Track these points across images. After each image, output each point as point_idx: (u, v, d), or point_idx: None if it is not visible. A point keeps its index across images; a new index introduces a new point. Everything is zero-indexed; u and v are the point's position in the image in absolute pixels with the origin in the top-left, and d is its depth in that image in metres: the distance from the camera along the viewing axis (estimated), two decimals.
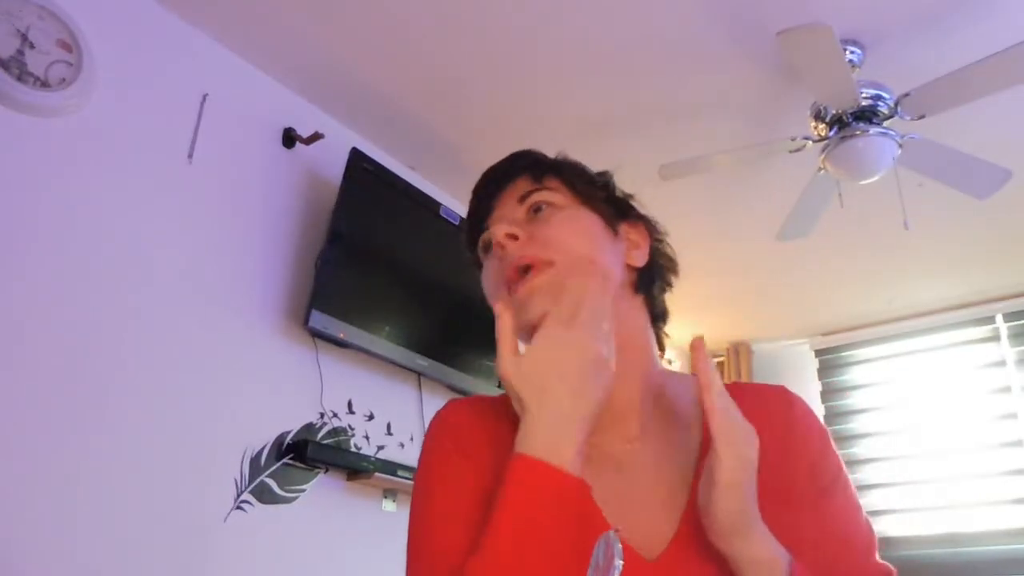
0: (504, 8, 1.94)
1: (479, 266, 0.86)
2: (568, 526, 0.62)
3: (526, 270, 0.75)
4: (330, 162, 2.30)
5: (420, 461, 0.78)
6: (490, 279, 0.81)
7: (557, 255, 0.74)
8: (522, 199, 0.81)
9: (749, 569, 0.65)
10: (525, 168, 0.84)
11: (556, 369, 0.66)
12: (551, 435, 0.64)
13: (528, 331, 0.73)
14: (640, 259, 0.82)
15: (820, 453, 0.76)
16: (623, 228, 0.83)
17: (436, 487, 0.73)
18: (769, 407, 0.78)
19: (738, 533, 0.64)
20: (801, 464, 0.74)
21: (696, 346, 0.69)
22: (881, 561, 0.73)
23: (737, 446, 0.64)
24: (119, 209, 1.80)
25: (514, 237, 0.77)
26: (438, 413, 0.83)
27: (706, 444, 0.69)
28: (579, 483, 0.63)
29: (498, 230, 0.77)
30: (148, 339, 1.79)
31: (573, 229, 0.78)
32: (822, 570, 0.67)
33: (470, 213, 0.86)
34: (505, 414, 0.75)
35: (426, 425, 2.45)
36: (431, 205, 2.51)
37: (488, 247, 0.81)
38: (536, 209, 0.80)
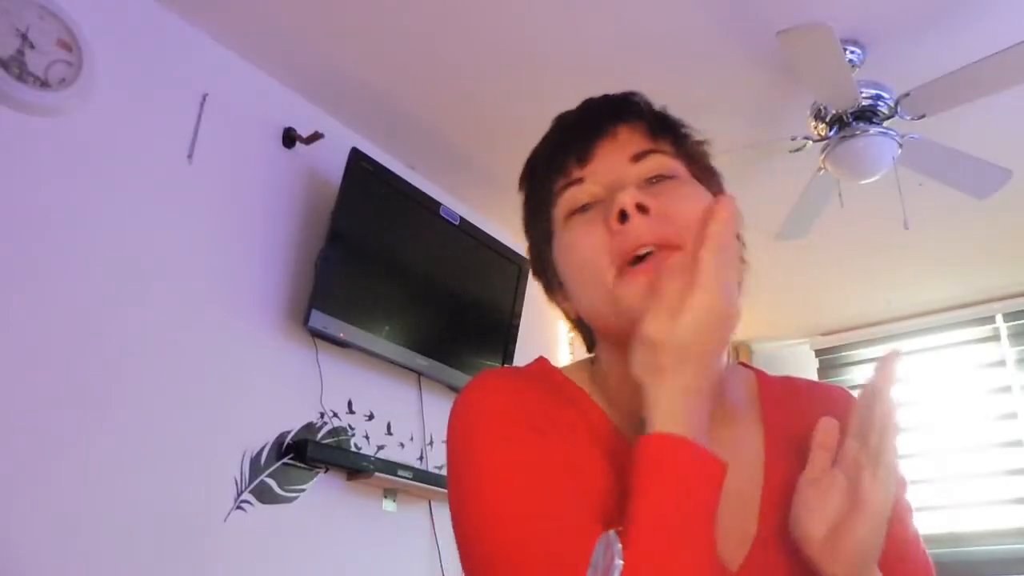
0: (504, 8, 1.94)
1: (538, 228, 0.70)
2: (715, 509, 0.55)
3: (642, 257, 0.61)
4: (330, 162, 2.30)
5: (471, 437, 0.64)
6: (588, 247, 0.64)
7: (687, 241, 0.59)
8: (636, 158, 0.66)
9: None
10: (638, 115, 0.69)
11: (704, 337, 0.57)
12: (691, 411, 0.56)
13: (629, 323, 0.59)
14: None
15: None
16: None
17: (512, 470, 0.60)
18: (833, 406, 0.70)
19: (866, 567, 0.57)
20: None
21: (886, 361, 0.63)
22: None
23: (892, 467, 0.57)
24: (119, 209, 1.80)
25: (644, 210, 0.61)
26: (479, 383, 0.67)
27: (773, 441, 0.64)
28: (724, 465, 0.57)
29: (628, 198, 0.61)
30: (148, 339, 1.79)
31: (698, 211, 0.62)
32: None
33: (549, 154, 0.70)
34: (544, 387, 0.69)
35: (426, 424, 2.47)
36: (431, 205, 2.51)
37: (579, 208, 0.66)
38: (654, 179, 0.65)
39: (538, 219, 0.71)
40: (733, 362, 0.74)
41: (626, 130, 0.68)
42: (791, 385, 0.74)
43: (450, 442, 0.66)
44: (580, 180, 0.67)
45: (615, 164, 0.66)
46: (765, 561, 0.62)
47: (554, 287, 0.74)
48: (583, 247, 0.64)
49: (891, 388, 0.59)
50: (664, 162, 0.67)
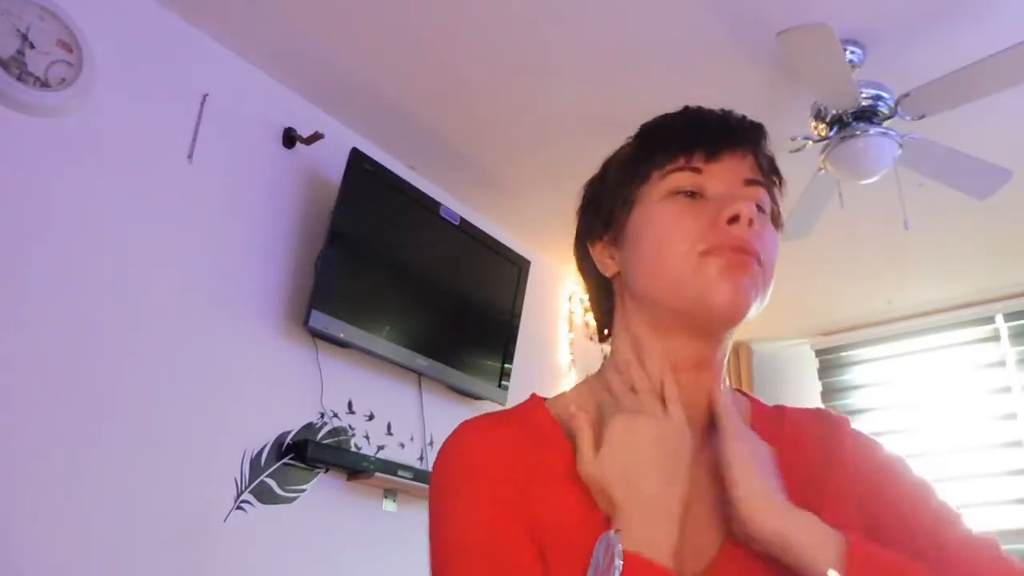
0: (504, 8, 1.94)
1: (625, 187, 0.74)
2: None
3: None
4: (330, 162, 2.30)
5: (441, 500, 0.70)
6: (685, 229, 0.68)
7: (768, 275, 0.69)
8: (749, 183, 0.71)
9: (794, 551, 0.61)
10: (760, 151, 0.75)
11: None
12: (650, 530, 0.61)
13: (685, 300, 0.68)
14: None
15: (863, 456, 0.72)
16: None
17: (480, 541, 0.65)
18: (808, 429, 0.75)
19: (774, 512, 0.62)
20: (845, 475, 0.71)
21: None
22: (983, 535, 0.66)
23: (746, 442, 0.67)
24: (119, 209, 1.80)
25: (752, 225, 0.68)
26: (455, 438, 0.74)
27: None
28: None
29: (749, 208, 0.67)
30: (148, 339, 1.79)
31: (775, 253, 0.71)
32: (898, 543, 0.63)
33: (678, 133, 0.73)
34: (523, 431, 0.71)
35: (426, 424, 2.47)
36: (431, 205, 2.51)
37: (685, 191, 0.71)
38: (757, 207, 0.70)
39: (631, 180, 0.74)
40: (732, 387, 0.78)
41: (751, 156, 0.73)
42: (780, 413, 0.78)
43: (429, 496, 0.72)
44: (698, 171, 0.71)
45: (731, 176, 0.71)
46: (727, 572, 0.65)
47: (600, 238, 0.77)
48: (681, 226, 0.69)
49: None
50: (765, 198, 0.73)
